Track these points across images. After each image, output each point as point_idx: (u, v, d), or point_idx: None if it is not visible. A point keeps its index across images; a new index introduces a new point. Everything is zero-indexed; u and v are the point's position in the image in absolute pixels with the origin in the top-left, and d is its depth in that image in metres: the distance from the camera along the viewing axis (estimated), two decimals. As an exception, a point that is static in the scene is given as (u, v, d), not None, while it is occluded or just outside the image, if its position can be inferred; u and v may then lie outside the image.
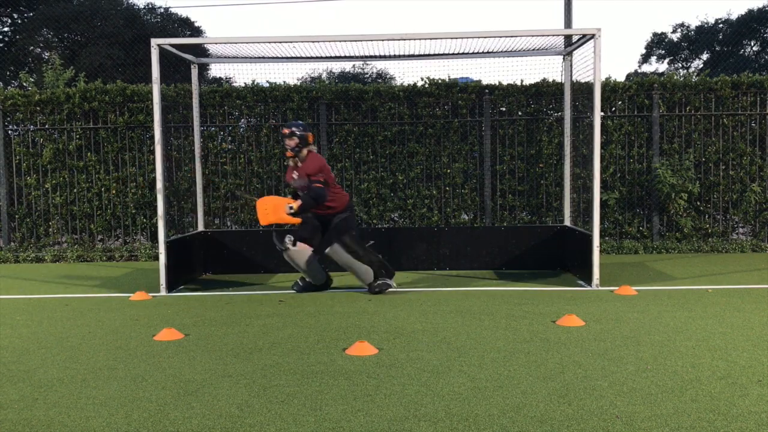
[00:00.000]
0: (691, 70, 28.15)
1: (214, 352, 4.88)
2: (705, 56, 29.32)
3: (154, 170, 9.88)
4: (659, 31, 31.81)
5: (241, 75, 17.74)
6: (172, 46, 7.81)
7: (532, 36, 7.50)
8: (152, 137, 9.69)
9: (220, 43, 7.99)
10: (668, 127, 10.12)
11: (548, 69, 10.03)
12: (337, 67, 29.71)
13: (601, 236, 9.86)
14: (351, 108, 10.27)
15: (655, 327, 5.39)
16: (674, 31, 30.52)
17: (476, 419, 3.52)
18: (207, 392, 4.00)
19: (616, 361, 4.49)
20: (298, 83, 10.63)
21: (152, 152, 9.99)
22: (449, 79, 10.26)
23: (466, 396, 3.86)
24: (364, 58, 8.98)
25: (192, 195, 9.92)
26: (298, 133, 6.87)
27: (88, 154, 10.36)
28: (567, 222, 8.73)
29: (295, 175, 6.96)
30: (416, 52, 8.37)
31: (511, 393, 3.90)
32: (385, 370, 4.35)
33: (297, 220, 6.88)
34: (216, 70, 24.66)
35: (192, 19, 30.58)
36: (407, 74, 32.10)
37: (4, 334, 5.51)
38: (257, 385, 4.11)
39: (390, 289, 7.05)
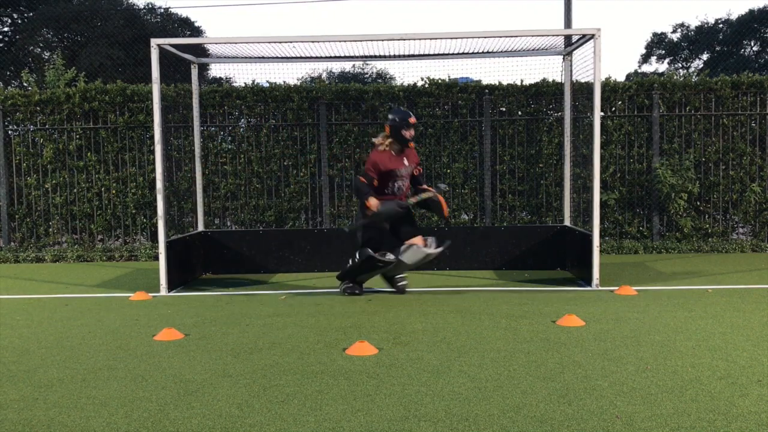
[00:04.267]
0: (691, 70, 28.16)
1: (214, 352, 4.88)
2: (705, 56, 29.32)
3: (154, 170, 9.88)
4: (659, 31, 31.85)
5: (241, 75, 17.78)
6: (172, 46, 7.81)
7: (532, 36, 7.50)
8: (152, 137, 9.69)
9: (220, 43, 7.99)
10: (668, 127, 10.12)
11: (548, 69, 10.04)
12: (337, 67, 29.69)
13: (601, 236, 9.86)
14: (351, 108, 10.27)
15: (655, 327, 5.39)
16: (674, 31, 30.54)
17: (476, 419, 3.52)
18: (207, 392, 4.00)
19: (616, 361, 4.48)
20: (298, 83, 10.63)
21: (152, 152, 9.99)
22: (449, 79, 10.26)
23: (466, 396, 3.86)
24: (364, 58, 8.98)
25: (192, 195, 9.92)
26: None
27: (88, 154, 10.36)
28: (567, 222, 8.72)
29: (406, 162, 6.72)
30: (416, 52, 8.37)
31: (511, 393, 3.90)
32: (385, 370, 4.35)
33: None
34: (216, 70, 24.67)
35: (192, 19, 30.59)
36: (407, 74, 32.14)
37: (4, 334, 5.52)
38: (257, 385, 4.11)
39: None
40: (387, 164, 6.59)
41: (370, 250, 6.61)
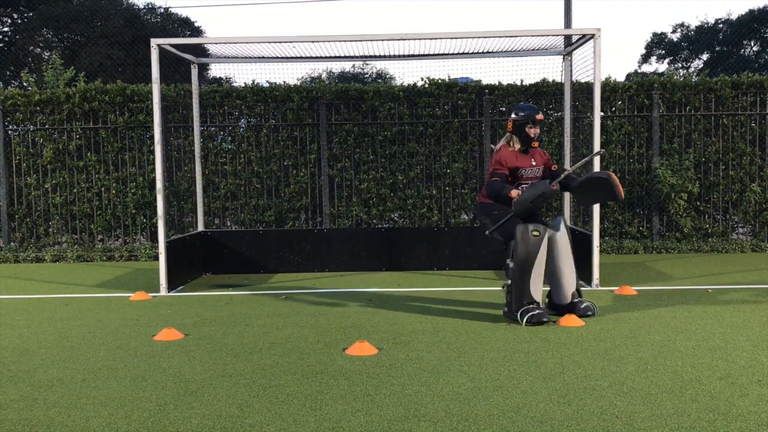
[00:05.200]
0: (691, 70, 28.15)
1: (214, 352, 4.88)
2: (705, 56, 29.32)
3: (154, 170, 9.88)
4: (659, 31, 31.86)
5: (241, 75, 17.79)
6: (172, 46, 7.81)
7: (532, 36, 7.50)
8: (152, 137, 9.69)
9: (220, 43, 7.99)
10: (668, 127, 10.12)
11: (548, 69, 10.05)
12: (337, 67, 29.70)
13: (601, 236, 9.86)
14: (351, 108, 10.27)
15: (655, 327, 5.39)
16: (674, 31, 30.54)
17: (476, 419, 3.52)
18: (207, 392, 4.00)
19: (616, 361, 4.48)
20: (298, 83, 10.63)
21: (152, 152, 9.99)
22: (449, 79, 10.26)
23: (466, 396, 3.86)
24: (364, 58, 8.98)
25: (192, 195, 9.92)
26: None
27: (88, 154, 10.36)
28: (567, 222, 8.71)
29: (533, 162, 5.93)
30: (416, 52, 8.37)
31: (511, 393, 3.90)
32: (385, 370, 4.35)
33: None
34: (216, 70, 24.67)
35: (192, 19, 30.60)
36: (407, 74, 32.16)
37: (4, 334, 5.51)
38: (257, 385, 4.11)
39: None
40: (511, 161, 5.83)
41: (520, 225, 5.63)
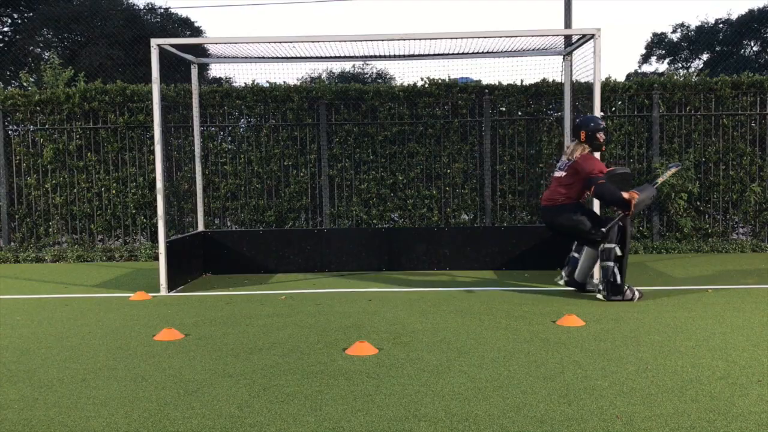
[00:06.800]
0: (691, 70, 28.16)
1: (214, 352, 4.88)
2: (705, 56, 29.34)
3: (154, 170, 9.88)
4: (659, 31, 31.87)
5: (241, 75, 17.74)
6: (172, 46, 7.81)
7: (532, 36, 7.50)
8: (152, 137, 9.69)
9: (220, 43, 7.99)
10: (668, 127, 10.12)
11: (548, 69, 10.04)
12: (337, 67, 29.69)
13: (601, 236, 9.84)
14: (351, 108, 10.27)
15: (655, 327, 5.39)
16: (674, 31, 30.57)
17: (476, 419, 3.52)
18: (207, 392, 4.00)
19: (616, 361, 4.48)
20: (298, 83, 10.63)
21: (152, 152, 9.99)
22: (449, 79, 10.26)
23: (466, 396, 3.86)
24: (364, 58, 8.98)
25: (192, 195, 9.92)
26: None
27: (88, 154, 10.36)
28: (567, 222, 8.71)
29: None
30: (416, 52, 8.37)
31: (511, 393, 3.90)
32: (385, 370, 4.35)
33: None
34: (216, 70, 24.64)
35: (192, 19, 30.62)
36: (407, 74, 32.13)
37: (4, 334, 5.52)
38: (257, 385, 4.11)
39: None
40: (604, 166, 6.64)
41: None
